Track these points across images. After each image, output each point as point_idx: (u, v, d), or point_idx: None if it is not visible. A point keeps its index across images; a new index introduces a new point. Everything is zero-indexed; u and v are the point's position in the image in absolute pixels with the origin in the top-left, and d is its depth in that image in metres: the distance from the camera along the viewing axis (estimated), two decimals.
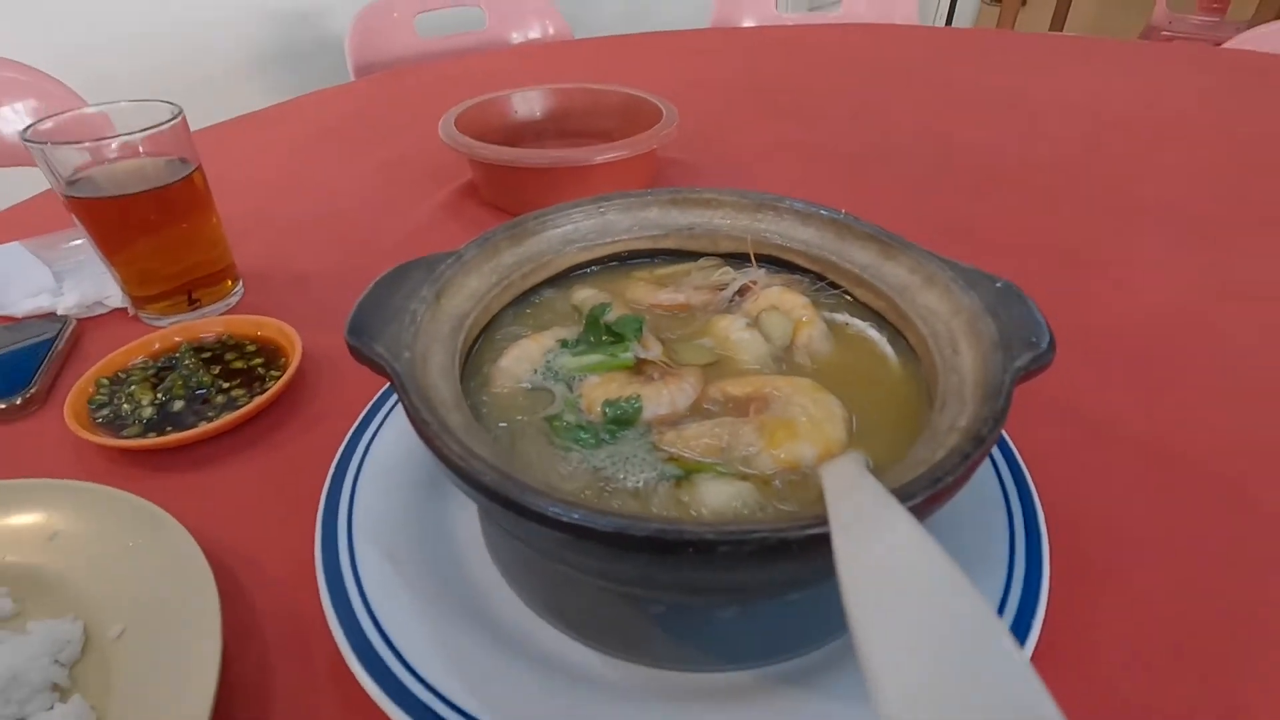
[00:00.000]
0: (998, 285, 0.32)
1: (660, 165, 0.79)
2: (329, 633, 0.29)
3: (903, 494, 0.22)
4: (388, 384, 0.41)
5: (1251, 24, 2.60)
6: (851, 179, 0.79)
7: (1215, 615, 0.33)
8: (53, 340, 0.51)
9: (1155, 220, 0.68)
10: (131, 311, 0.55)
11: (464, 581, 0.33)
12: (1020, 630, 0.29)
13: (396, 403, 0.41)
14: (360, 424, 0.40)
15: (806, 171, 0.81)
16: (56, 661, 0.30)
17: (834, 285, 0.38)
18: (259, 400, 0.43)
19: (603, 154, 0.64)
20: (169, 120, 0.49)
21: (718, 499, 0.27)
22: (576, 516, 0.21)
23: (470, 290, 0.35)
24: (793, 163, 0.83)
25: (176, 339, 0.49)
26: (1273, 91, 1.02)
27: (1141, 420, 0.44)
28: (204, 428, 0.41)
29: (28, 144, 0.46)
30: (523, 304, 0.38)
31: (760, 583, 0.24)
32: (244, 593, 0.35)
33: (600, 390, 0.32)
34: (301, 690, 0.31)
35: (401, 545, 0.34)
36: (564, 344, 0.35)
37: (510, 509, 0.22)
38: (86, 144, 0.48)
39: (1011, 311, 0.30)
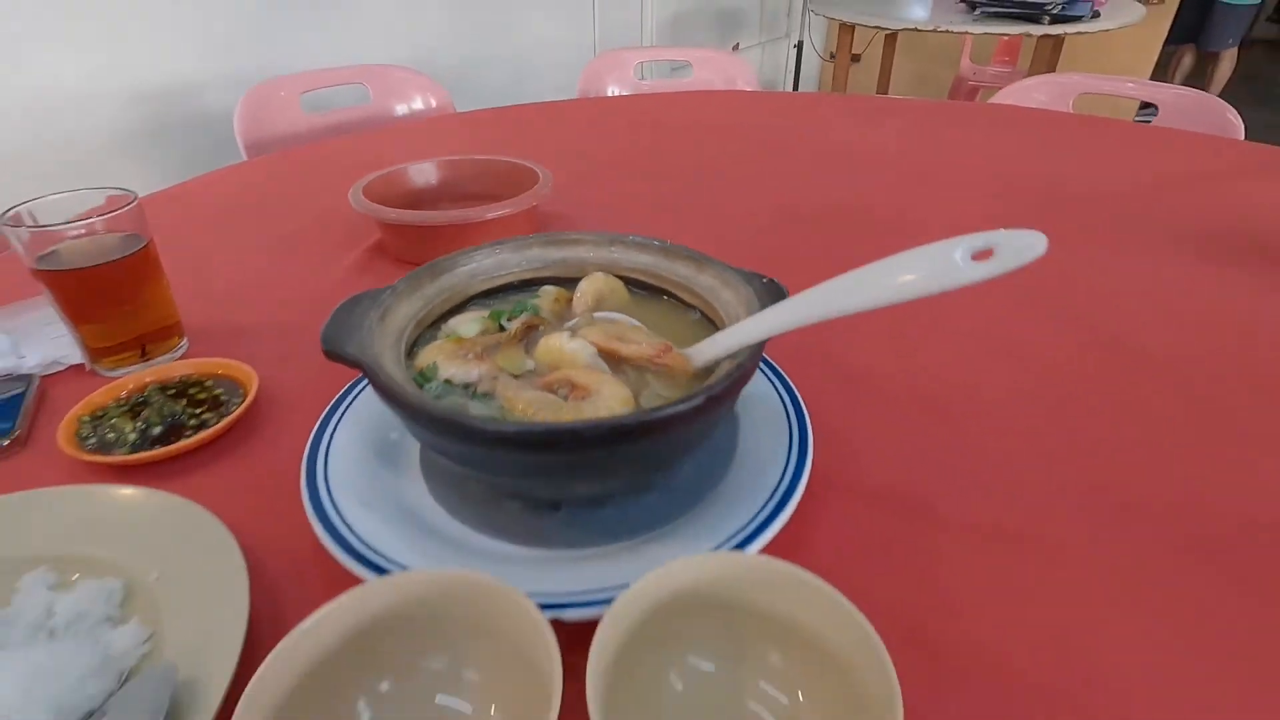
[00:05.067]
0: (764, 281, 0.49)
1: (542, 218, 0.94)
2: (321, 549, 0.41)
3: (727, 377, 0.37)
4: (335, 397, 0.54)
5: (1030, 74, 3.14)
6: (694, 222, 0.98)
7: (914, 505, 0.51)
8: (23, 394, 0.59)
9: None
10: (88, 366, 0.63)
11: (410, 507, 0.46)
12: (791, 486, 0.45)
13: (348, 406, 0.53)
14: (322, 421, 0.51)
15: (656, 218, 0.99)
16: (107, 603, 0.40)
17: (664, 291, 0.55)
18: (229, 418, 0.54)
19: (492, 212, 0.79)
20: (126, 205, 0.60)
21: None
22: (506, 428, 0.36)
23: (403, 313, 0.49)
24: (646, 211, 1.01)
25: (147, 380, 0.58)
26: (1024, 137, 1.32)
27: (888, 367, 0.63)
28: (186, 441, 0.52)
29: (4, 228, 0.56)
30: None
31: (618, 461, 0.39)
32: (250, 545, 0.45)
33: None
34: (298, 580, 0.42)
35: (365, 490, 0.46)
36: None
37: (455, 430, 0.36)
38: (57, 226, 0.57)
39: (771, 294, 0.47)
